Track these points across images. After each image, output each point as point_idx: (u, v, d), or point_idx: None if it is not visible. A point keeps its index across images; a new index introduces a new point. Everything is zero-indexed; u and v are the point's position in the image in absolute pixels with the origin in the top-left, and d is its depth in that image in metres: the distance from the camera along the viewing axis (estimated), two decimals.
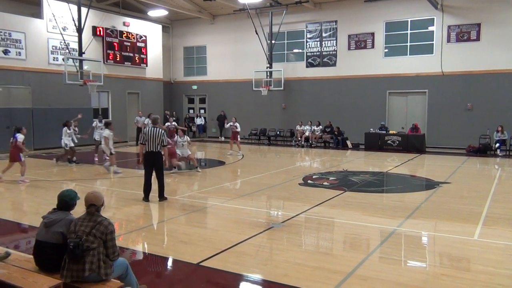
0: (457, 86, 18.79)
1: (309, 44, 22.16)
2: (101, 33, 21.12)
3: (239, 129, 17.03)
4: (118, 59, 22.04)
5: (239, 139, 17.17)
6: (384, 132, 19.07)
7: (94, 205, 3.96)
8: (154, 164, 8.76)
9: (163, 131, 8.76)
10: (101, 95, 21.39)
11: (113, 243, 3.91)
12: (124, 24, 22.51)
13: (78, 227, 3.86)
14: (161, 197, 8.87)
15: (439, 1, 18.68)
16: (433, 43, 19.25)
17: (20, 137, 10.93)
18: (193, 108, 26.71)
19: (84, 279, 3.75)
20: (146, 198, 8.85)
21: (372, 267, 5.20)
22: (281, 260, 5.40)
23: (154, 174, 8.85)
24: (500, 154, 16.91)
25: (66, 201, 4.08)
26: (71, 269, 3.77)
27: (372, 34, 20.46)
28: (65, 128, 13.88)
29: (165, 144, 8.85)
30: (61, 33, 18.43)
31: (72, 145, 13.97)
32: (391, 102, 20.53)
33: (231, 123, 17.07)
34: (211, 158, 16.90)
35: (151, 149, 8.64)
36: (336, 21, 21.37)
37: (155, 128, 8.70)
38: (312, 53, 22.09)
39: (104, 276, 3.83)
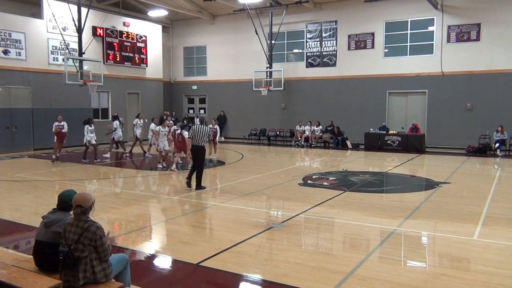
0: (457, 86, 18.79)
1: (309, 44, 22.16)
2: (101, 33, 21.12)
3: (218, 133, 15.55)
4: (118, 59, 22.05)
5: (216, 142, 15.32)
6: (384, 132, 19.08)
7: (80, 206, 3.80)
8: (197, 156, 9.89)
9: (209, 128, 10.03)
10: (101, 95, 21.39)
11: (103, 248, 3.79)
12: (124, 24, 22.51)
13: (68, 234, 3.77)
14: (199, 186, 9.87)
15: (439, 1, 18.68)
16: (433, 43, 19.24)
17: (185, 133, 12.34)
18: (193, 108, 26.71)
19: (80, 286, 3.74)
20: (189, 185, 10.04)
21: (372, 267, 5.20)
22: (281, 260, 5.40)
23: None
24: (500, 154, 16.91)
25: (65, 202, 4.04)
26: (67, 275, 3.75)
27: (372, 34, 20.46)
28: (86, 126, 14.44)
29: (210, 139, 9.76)
30: (61, 33, 18.43)
31: (94, 142, 14.51)
32: (391, 102, 20.53)
33: (210, 126, 14.90)
34: (211, 158, 16.87)
35: (197, 143, 9.84)
36: (336, 21, 21.37)
37: (202, 126, 9.94)
38: (312, 53, 22.09)
39: (103, 279, 3.80)
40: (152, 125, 14.77)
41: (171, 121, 14.67)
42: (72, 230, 3.77)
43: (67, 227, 3.82)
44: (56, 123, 14.41)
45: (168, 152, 13.75)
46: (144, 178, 12.21)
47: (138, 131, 16.70)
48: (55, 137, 14.45)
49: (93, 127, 14.52)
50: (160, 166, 13.31)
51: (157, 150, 13.74)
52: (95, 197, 4.02)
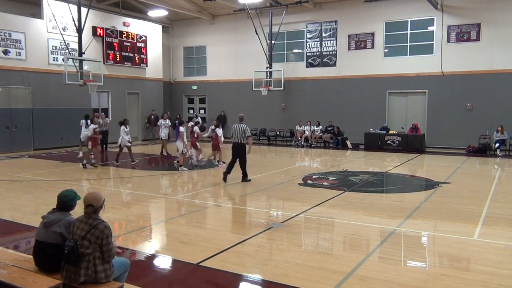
0: (457, 86, 18.79)
1: (309, 44, 22.16)
2: (101, 33, 21.12)
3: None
4: (118, 59, 22.05)
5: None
6: (384, 132, 19.08)
7: (91, 206, 3.87)
8: (239, 152, 10.69)
9: (245, 126, 10.69)
10: (101, 95, 21.38)
11: (109, 247, 3.83)
12: (124, 24, 22.50)
13: (76, 229, 3.83)
14: (245, 178, 10.79)
15: (439, 1, 18.68)
16: (433, 43, 19.24)
17: (219, 131, 13.64)
18: (193, 108, 26.70)
19: (80, 283, 3.75)
20: (224, 179, 10.67)
21: (372, 267, 5.20)
22: (280, 260, 5.40)
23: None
24: (500, 154, 16.91)
25: (65, 202, 4.06)
26: (69, 271, 3.78)
27: (372, 34, 20.47)
28: (122, 127, 13.85)
29: (248, 135, 10.66)
30: (61, 33, 18.42)
31: (128, 144, 13.84)
32: (391, 102, 20.53)
33: (212, 127, 14.17)
34: (211, 158, 16.87)
35: (237, 141, 10.70)
36: (336, 21, 21.37)
37: (240, 124, 10.72)
38: (312, 53, 22.09)
39: (104, 279, 3.81)
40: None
41: (192, 122, 14.66)
42: (81, 226, 3.83)
43: (76, 223, 3.88)
44: (94, 126, 13.43)
45: (185, 154, 13.67)
46: (148, 179, 12.20)
47: (164, 132, 16.30)
48: (89, 142, 13.42)
49: (128, 129, 13.84)
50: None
51: (182, 152, 13.39)
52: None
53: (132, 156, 14.14)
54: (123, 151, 14.11)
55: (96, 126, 13.65)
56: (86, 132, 14.82)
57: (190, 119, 25.74)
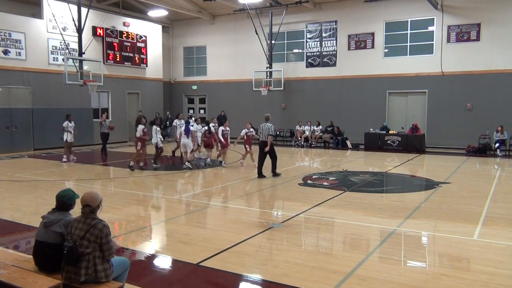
0: (457, 86, 18.79)
1: (309, 44, 22.16)
2: (101, 33, 21.12)
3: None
4: (118, 59, 22.04)
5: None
6: (384, 132, 19.08)
7: (88, 206, 3.86)
8: (268, 150, 11.39)
9: (271, 125, 11.49)
10: (101, 95, 21.39)
11: (108, 246, 3.83)
12: (124, 24, 22.51)
13: (74, 230, 3.82)
14: (274, 173, 11.58)
15: (439, 1, 18.68)
16: (433, 43, 19.25)
17: (243, 132, 13.77)
18: (193, 108, 26.70)
19: (81, 283, 3.75)
20: (260, 175, 11.47)
21: (372, 267, 5.19)
22: (280, 260, 5.40)
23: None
24: (500, 154, 16.91)
25: (64, 201, 4.06)
26: (69, 271, 3.78)
27: (372, 34, 20.47)
28: (154, 127, 13.47)
29: (269, 133, 11.34)
30: (61, 33, 18.42)
31: (161, 145, 13.42)
32: (391, 102, 20.53)
33: (222, 128, 14.31)
34: (211, 158, 16.86)
35: (263, 139, 11.46)
36: (336, 21, 21.37)
37: (266, 124, 11.51)
38: (312, 53, 22.09)
39: (104, 279, 3.81)
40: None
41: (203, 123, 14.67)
42: (79, 226, 3.82)
43: (74, 223, 3.87)
44: (143, 127, 12.79)
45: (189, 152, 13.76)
46: (150, 178, 12.20)
47: (179, 132, 15.66)
48: (139, 144, 12.68)
49: (159, 129, 13.38)
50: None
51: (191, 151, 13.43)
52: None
53: (156, 158, 13.61)
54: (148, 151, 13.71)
55: (144, 126, 12.89)
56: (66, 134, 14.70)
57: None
